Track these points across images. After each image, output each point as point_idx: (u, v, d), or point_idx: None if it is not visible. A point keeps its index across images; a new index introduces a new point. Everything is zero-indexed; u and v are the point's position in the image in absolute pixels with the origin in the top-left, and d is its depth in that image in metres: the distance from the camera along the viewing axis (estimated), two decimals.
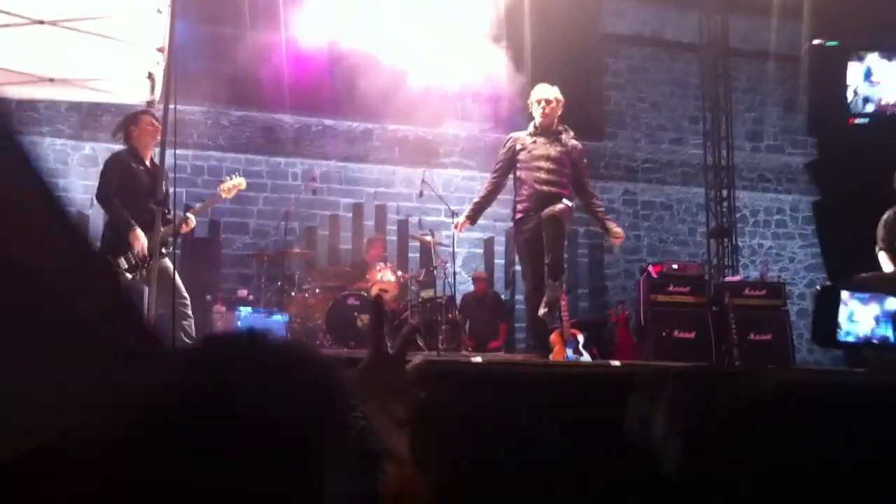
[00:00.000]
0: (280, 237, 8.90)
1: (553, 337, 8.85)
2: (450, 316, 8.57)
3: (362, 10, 8.54)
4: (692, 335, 8.52)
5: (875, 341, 1.03)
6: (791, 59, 12.17)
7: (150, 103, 5.92)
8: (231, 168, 10.24)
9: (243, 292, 8.41)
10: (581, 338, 8.65)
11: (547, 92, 6.39)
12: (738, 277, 10.18)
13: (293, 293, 8.33)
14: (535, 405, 2.62)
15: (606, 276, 11.75)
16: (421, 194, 8.91)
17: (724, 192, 11.17)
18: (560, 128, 6.42)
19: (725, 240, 11.03)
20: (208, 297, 7.67)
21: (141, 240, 5.42)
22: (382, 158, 11.18)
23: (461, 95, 11.22)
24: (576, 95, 11.65)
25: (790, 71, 12.45)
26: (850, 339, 1.03)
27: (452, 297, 9.04)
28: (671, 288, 8.69)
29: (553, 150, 6.29)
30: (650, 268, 9.04)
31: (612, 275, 11.65)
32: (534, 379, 2.92)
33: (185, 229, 5.83)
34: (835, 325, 1.04)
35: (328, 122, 10.98)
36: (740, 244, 11.66)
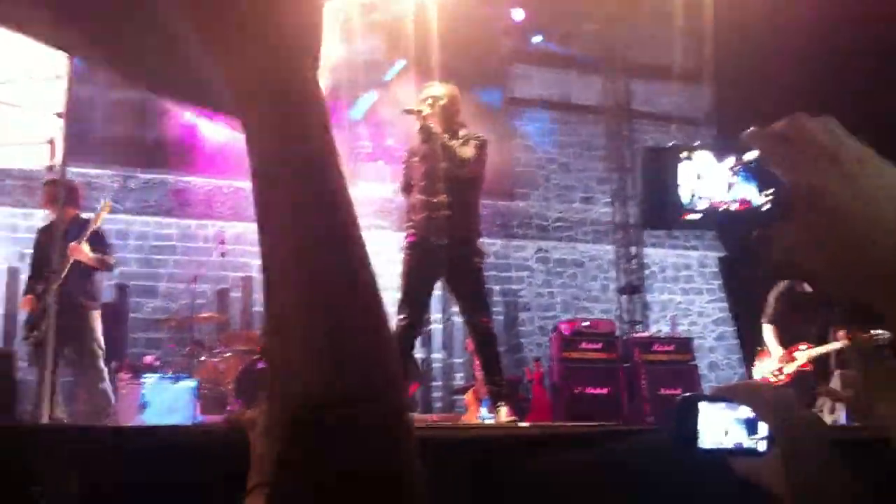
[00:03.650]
0: (190, 301, 8.75)
1: (467, 396, 8.88)
2: None
3: None
4: (605, 391, 8.65)
5: (732, 448, 1.10)
6: (693, 122, 12.68)
7: (50, 168, 5.86)
8: (140, 232, 10.09)
9: (149, 358, 8.21)
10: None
11: (430, 90, 5.50)
12: (647, 333, 10.40)
13: (203, 358, 8.17)
14: (447, 471, 2.63)
15: (521, 334, 11.85)
16: None
17: (633, 250, 11.47)
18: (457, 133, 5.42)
19: (635, 296, 11.29)
20: (113, 363, 7.45)
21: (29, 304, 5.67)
22: None
23: (373, 156, 11.33)
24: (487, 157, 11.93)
25: (692, 133, 12.96)
26: (709, 447, 1.10)
27: None
28: (583, 345, 8.84)
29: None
30: (561, 325, 9.19)
31: (527, 332, 11.76)
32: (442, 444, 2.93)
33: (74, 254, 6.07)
34: (694, 434, 1.10)
35: (239, 183, 10.93)
36: (650, 300, 11.95)
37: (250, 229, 11.07)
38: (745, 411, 1.10)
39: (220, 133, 9.57)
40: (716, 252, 13.24)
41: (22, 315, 9.32)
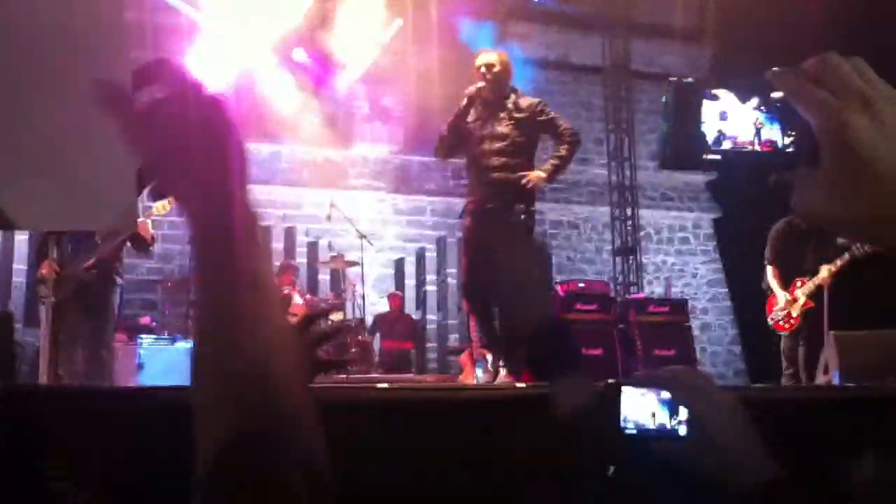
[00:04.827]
0: (185, 262, 8.74)
1: (463, 357, 8.91)
2: (360, 338, 8.55)
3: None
4: (600, 352, 8.68)
5: (654, 432, 1.13)
6: (666, 82, 12.57)
7: None
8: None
9: (146, 319, 8.21)
10: (490, 357, 8.73)
11: (484, 57, 5.49)
12: (642, 295, 10.43)
13: None
14: (446, 432, 2.64)
15: None
16: (329, 217, 8.86)
17: (629, 211, 11.46)
18: (507, 98, 5.43)
19: (630, 257, 11.31)
20: None
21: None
22: (291, 180, 11.09)
23: (369, 117, 11.26)
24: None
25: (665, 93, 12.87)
26: (633, 431, 1.13)
27: (362, 320, 9.02)
28: (578, 306, 8.85)
29: (502, 126, 5.34)
30: (557, 287, 9.20)
31: None
32: (444, 404, 2.94)
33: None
34: (618, 419, 1.12)
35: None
36: (645, 261, 11.97)
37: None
38: (666, 395, 1.13)
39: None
40: (711, 214, 13.25)
41: (19, 275, 9.34)
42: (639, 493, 1.15)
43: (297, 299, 8.46)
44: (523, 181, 5.29)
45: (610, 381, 1.20)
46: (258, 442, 0.66)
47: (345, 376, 6.91)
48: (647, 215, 12.40)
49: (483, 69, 5.38)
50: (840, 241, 7.02)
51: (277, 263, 9.88)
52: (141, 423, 2.39)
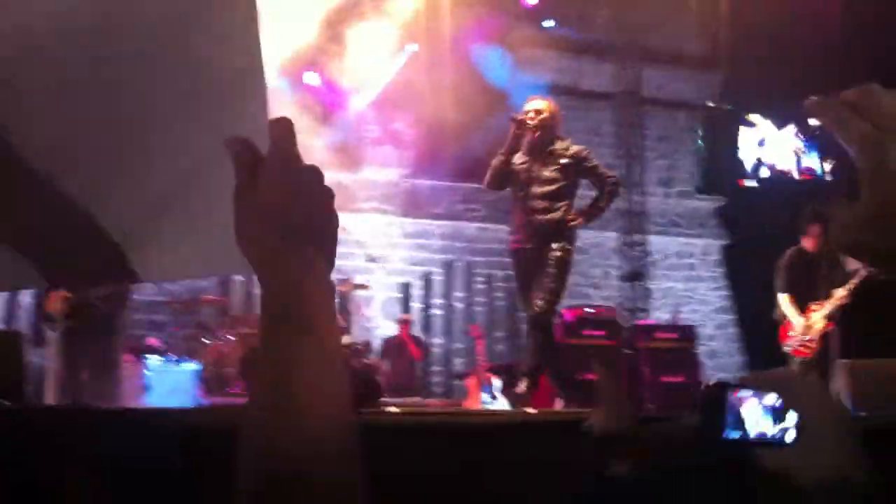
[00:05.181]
0: (194, 284, 8.75)
1: (469, 381, 8.89)
2: (365, 361, 8.53)
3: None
4: None
5: (758, 439, 1.08)
6: (702, 109, 12.63)
7: None
8: None
9: (153, 340, 8.21)
10: (497, 382, 8.71)
11: (534, 104, 5.77)
12: (651, 321, 10.40)
13: (206, 340, 8.18)
14: (455, 457, 2.63)
15: (523, 320, 11.84)
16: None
17: (637, 237, 11.45)
18: (554, 143, 5.69)
19: (638, 283, 11.28)
20: None
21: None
22: None
23: (380, 140, 11.30)
24: (493, 143, 11.85)
25: (701, 119, 12.93)
26: (736, 436, 1.08)
27: (369, 343, 9.01)
28: (585, 332, 8.82)
29: (547, 171, 5.59)
30: (564, 312, 9.17)
31: None
32: (453, 429, 2.93)
33: None
34: (722, 423, 1.09)
35: None
36: (652, 287, 11.93)
37: None
38: (772, 399, 1.09)
39: None
40: (719, 240, 13.22)
41: (26, 293, 9.35)
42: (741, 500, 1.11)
43: None
44: (568, 220, 5.59)
45: (716, 381, 1.15)
46: (299, 479, 0.67)
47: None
48: (655, 241, 12.38)
49: (532, 114, 5.64)
50: (851, 268, 7.03)
51: None
52: (148, 443, 2.38)
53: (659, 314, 11.86)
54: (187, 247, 0.87)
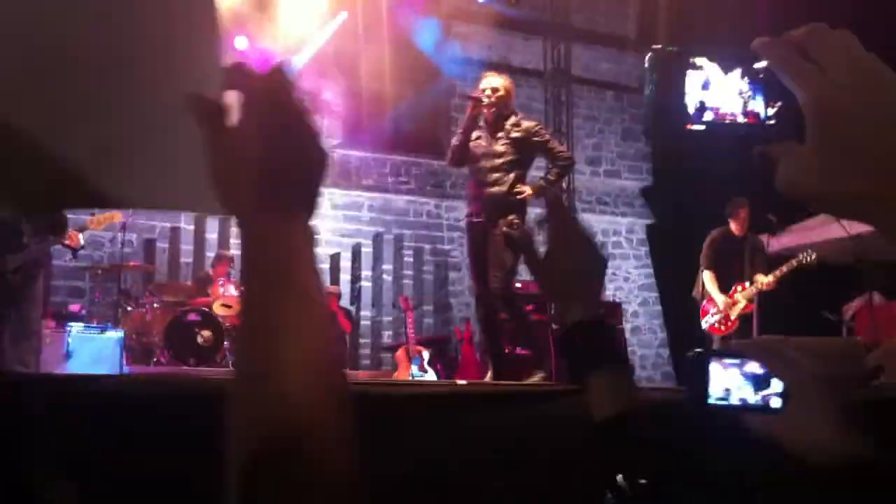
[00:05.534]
0: (116, 249, 8.51)
1: (398, 354, 8.90)
2: None
3: None
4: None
5: (743, 405, 1.08)
6: (629, 90, 12.81)
7: None
8: None
9: (75, 307, 7.97)
10: (426, 354, 8.74)
11: (489, 81, 5.81)
12: None
13: (129, 308, 7.98)
14: (381, 428, 2.61)
15: (451, 293, 11.90)
16: None
17: None
18: (507, 119, 5.73)
19: None
20: None
21: None
22: None
23: (312, 110, 11.15)
24: (424, 116, 11.84)
25: (628, 100, 13.12)
26: (720, 403, 1.08)
27: None
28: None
29: (498, 145, 5.65)
30: None
31: (457, 291, 11.81)
32: (378, 400, 2.92)
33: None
34: (704, 391, 1.09)
35: None
36: None
37: None
38: (753, 367, 1.09)
39: None
40: (644, 220, 13.48)
41: None
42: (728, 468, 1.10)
43: (232, 290, 8.32)
44: (515, 191, 5.61)
45: (697, 350, 1.15)
46: (293, 446, 0.65)
47: None
48: (582, 219, 12.52)
49: (488, 92, 5.70)
50: (770, 252, 7.27)
51: (212, 255, 9.71)
52: (74, 412, 2.32)
53: None
54: (166, 179, 0.87)
